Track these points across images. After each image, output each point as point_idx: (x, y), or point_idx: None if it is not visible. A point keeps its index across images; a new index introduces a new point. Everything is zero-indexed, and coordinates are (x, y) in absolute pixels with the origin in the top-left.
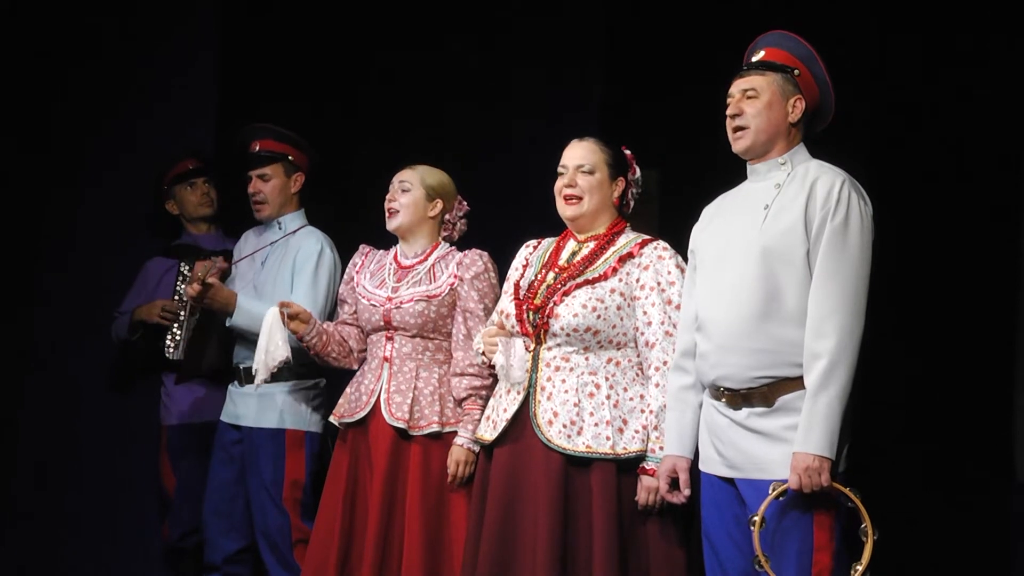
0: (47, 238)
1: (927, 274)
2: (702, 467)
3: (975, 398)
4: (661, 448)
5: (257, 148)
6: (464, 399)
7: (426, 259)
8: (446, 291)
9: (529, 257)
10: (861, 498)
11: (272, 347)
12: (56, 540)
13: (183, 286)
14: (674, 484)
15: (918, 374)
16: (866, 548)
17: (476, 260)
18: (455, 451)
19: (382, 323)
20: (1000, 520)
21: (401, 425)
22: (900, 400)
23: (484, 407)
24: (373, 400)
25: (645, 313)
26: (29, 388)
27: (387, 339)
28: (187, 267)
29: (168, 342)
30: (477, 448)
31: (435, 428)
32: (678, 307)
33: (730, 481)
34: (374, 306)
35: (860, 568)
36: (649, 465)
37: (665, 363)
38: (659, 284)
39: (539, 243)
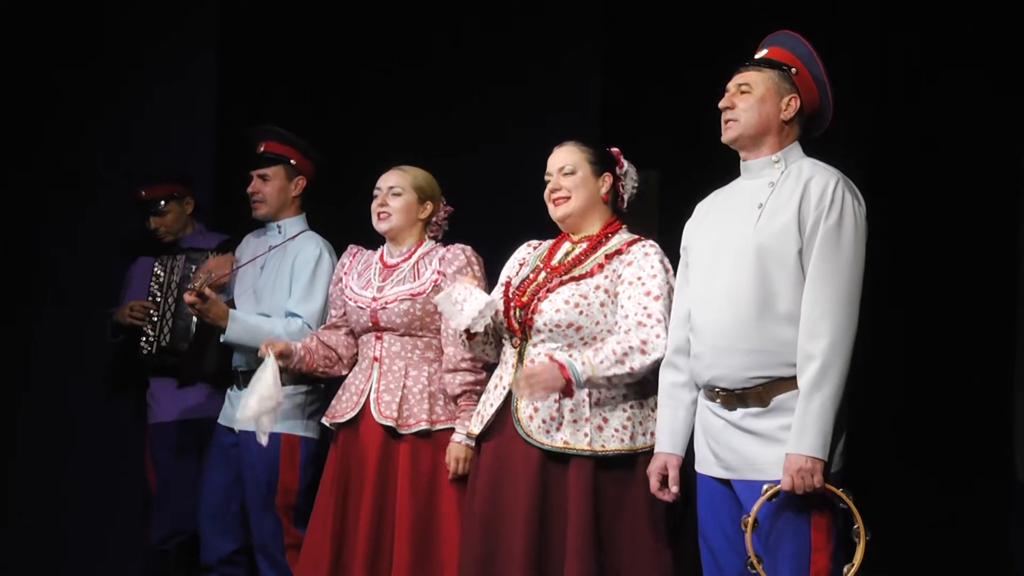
0: (45, 240)
1: (926, 273)
2: (698, 468)
3: (975, 398)
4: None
5: (262, 149)
6: (459, 395)
7: (410, 257)
8: (429, 288)
9: (527, 256)
10: (854, 499)
11: (257, 396)
12: (47, 543)
13: (154, 284)
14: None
15: (917, 374)
16: (858, 549)
17: (458, 254)
18: (453, 448)
19: (370, 324)
20: (1000, 520)
21: (390, 423)
22: (899, 400)
23: (478, 402)
24: (363, 400)
25: (622, 307)
26: (25, 390)
27: (376, 339)
28: (160, 267)
29: (142, 341)
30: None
31: (424, 426)
32: (656, 298)
33: (726, 482)
34: (361, 308)
35: (852, 569)
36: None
37: (644, 341)
38: (639, 279)
39: (539, 244)
